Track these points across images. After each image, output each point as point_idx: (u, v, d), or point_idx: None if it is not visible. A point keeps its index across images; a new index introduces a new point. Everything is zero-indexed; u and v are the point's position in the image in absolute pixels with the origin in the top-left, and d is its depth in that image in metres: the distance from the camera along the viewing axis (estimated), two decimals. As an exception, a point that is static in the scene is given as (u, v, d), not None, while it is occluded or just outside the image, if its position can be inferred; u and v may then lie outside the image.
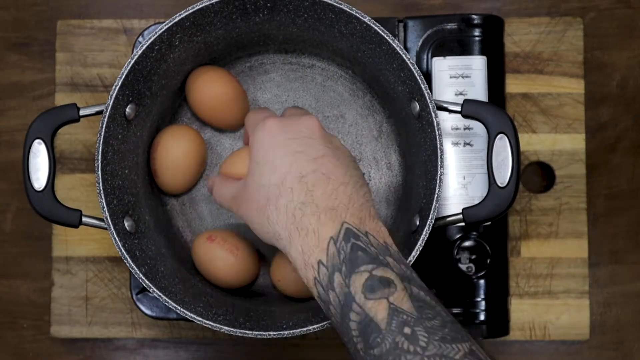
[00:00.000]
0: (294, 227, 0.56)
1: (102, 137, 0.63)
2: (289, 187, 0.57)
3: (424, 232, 0.62)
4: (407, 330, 0.51)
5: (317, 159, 0.58)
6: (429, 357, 0.50)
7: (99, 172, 0.63)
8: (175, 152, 0.71)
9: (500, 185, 0.63)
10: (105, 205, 0.63)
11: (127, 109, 0.66)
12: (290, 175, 0.57)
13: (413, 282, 0.54)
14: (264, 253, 0.74)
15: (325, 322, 0.62)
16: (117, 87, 0.64)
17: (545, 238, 0.79)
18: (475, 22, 0.73)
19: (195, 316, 0.63)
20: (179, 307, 0.63)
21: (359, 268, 0.53)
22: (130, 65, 0.64)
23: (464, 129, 0.73)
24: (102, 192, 0.63)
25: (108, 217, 0.63)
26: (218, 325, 0.63)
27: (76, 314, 0.79)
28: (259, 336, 0.63)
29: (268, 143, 0.60)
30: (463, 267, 0.73)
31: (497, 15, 0.75)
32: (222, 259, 0.70)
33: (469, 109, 0.64)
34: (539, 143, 0.79)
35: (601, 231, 0.81)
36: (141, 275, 0.63)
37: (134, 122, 0.67)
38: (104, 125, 0.64)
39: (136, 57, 0.64)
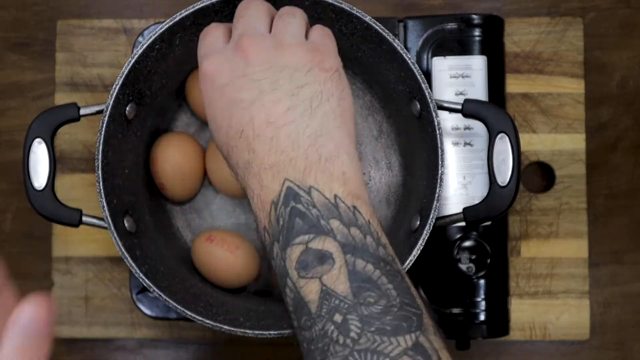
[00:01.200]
0: (245, 185, 0.51)
1: (102, 136, 0.63)
2: (234, 146, 0.51)
3: (425, 232, 0.62)
4: (337, 317, 0.44)
5: (253, 103, 0.51)
6: (359, 351, 0.43)
7: (99, 172, 0.63)
8: (178, 160, 0.71)
9: (500, 184, 0.63)
10: (105, 205, 0.63)
11: (127, 109, 0.66)
12: (232, 130, 0.51)
13: (359, 251, 0.47)
14: (264, 253, 0.74)
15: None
16: (118, 87, 0.64)
17: (545, 238, 0.79)
18: (475, 22, 0.73)
19: (195, 316, 0.63)
20: (179, 307, 0.63)
21: (294, 240, 0.47)
22: (130, 65, 0.64)
23: (464, 128, 0.73)
24: (102, 191, 0.63)
25: (108, 217, 0.63)
26: (218, 325, 0.63)
27: (76, 314, 0.79)
28: (259, 336, 0.63)
29: (207, 96, 0.54)
30: (463, 267, 0.73)
31: (497, 15, 0.75)
32: (221, 259, 0.70)
33: (469, 108, 0.64)
34: (539, 143, 0.79)
35: (601, 231, 0.81)
36: (141, 274, 0.63)
37: (134, 122, 0.68)
38: (104, 125, 0.64)
39: (137, 56, 0.64)
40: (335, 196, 0.48)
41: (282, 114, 0.50)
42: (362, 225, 0.48)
